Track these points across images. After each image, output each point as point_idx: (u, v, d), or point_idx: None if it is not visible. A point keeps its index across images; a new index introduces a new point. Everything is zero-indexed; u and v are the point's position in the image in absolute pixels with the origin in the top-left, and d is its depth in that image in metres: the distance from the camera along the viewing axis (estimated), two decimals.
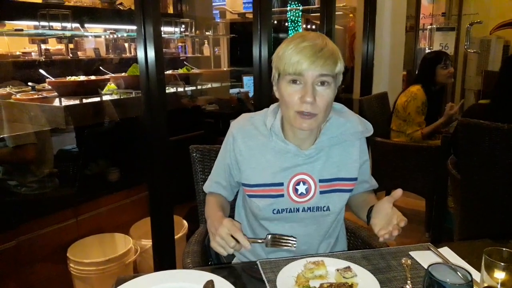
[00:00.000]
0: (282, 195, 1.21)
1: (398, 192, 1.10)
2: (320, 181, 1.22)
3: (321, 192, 1.22)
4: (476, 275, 0.93)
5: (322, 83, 1.11)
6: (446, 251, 1.13)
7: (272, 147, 1.22)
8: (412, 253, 1.12)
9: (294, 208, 1.22)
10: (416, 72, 3.41)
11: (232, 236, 1.04)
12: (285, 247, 1.10)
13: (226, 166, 1.31)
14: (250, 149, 1.24)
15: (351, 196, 1.33)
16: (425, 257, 1.09)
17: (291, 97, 1.11)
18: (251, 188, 1.24)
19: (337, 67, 1.12)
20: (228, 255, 1.07)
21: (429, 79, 3.10)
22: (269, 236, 1.12)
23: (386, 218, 1.10)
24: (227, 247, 1.04)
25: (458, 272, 0.82)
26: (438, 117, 3.16)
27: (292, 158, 1.21)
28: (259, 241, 1.12)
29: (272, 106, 1.27)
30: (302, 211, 1.23)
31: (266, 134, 1.23)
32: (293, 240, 1.10)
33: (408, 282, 0.99)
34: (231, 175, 1.31)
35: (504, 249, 0.89)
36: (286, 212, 1.22)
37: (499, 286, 0.86)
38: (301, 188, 1.21)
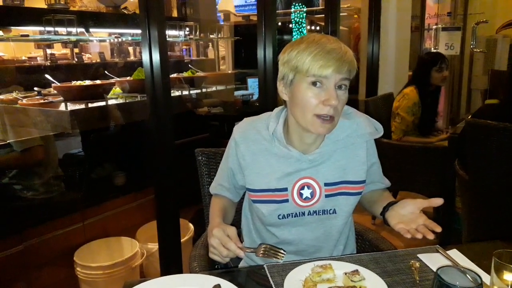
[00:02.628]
0: (286, 200, 1.20)
1: (438, 201, 1.07)
2: (326, 184, 1.20)
3: (327, 196, 1.20)
4: (485, 278, 0.92)
5: (341, 87, 1.10)
6: (454, 253, 1.12)
7: (275, 152, 1.20)
8: (420, 256, 1.11)
9: (299, 212, 1.21)
10: (412, 73, 3.41)
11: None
12: (274, 258, 1.09)
13: (229, 170, 1.30)
14: (253, 154, 1.23)
15: (365, 194, 1.31)
16: (433, 260, 1.08)
17: (311, 100, 1.08)
18: (255, 193, 1.22)
19: (355, 71, 1.11)
20: (236, 258, 1.07)
21: (424, 81, 3.11)
22: (260, 246, 1.12)
23: (410, 217, 1.08)
24: (221, 256, 1.05)
25: (467, 275, 0.81)
26: (435, 118, 3.21)
27: (296, 163, 1.19)
28: (250, 251, 1.12)
29: (276, 110, 1.25)
30: (308, 214, 1.21)
31: (269, 139, 1.21)
32: (282, 253, 1.10)
33: (417, 285, 0.98)
34: (235, 179, 1.30)
35: None
36: (292, 216, 1.21)
37: None
38: (306, 193, 1.19)
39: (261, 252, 1.10)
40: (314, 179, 1.19)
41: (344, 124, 1.21)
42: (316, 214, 1.21)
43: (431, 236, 1.00)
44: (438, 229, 1.01)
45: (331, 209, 1.21)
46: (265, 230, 1.28)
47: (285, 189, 1.19)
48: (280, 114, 1.23)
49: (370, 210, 1.30)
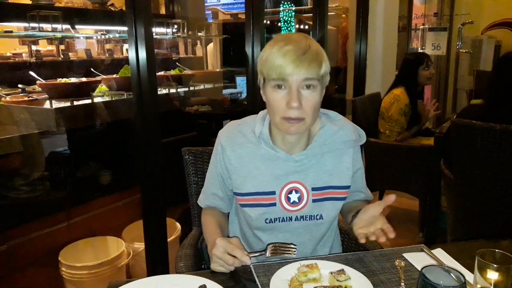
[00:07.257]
0: (274, 204, 1.20)
1: (391, 198, 1.08)
2: (313, 189, 1.20)
3: (314, 201, 1.21)
4: (469, 277, 0.93)
5: (308, 87, 1.08)
6: (439, 252, 1.13)
7: (262, 155, 1.20)
8: (405, 255, 1.12)
9: (286, 217, 1.21)
10: (397, 74, 3.44)
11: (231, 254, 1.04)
12: (286, 255, 1.09)
13: (218, 175, 1.29)
14: (239, 157, 1.22)
15: (344, 204, 1.32)
16: (418, 259, 1.09)
17: (277, 103, 1.10)
18: (243, 197, 1.22)
19: (322, 69, 1.08)
20: (241, 267, 1.06)
21: (411, 81, 3.14)
22: (268, 246, 1.11)
23: (370, 220, 1.09)
24: (226, 265, 1.03)
25: (451, 274, 0.82)
26: (420, 120, 3.22)
27: (283, 165, 1.19)
28: (257, 254, 1.10)
29: (261, 113, 1.25)
30: (295, 220, 1.21)
31: (255, 141, 1.21)
32: (293, 247, 1.09)
33: (402, 284, 0.99)
34: (225, 185, 1.29)
35: (496, 250, 0.89)
36: (279, 221, 1.21)
37: (492, 287, 0.86)
38: (294, 197, 1.20)
39: (271, 251, 1.10)
40: (302, 183, 1.20)
41: (332, 130, 1.22)
42: (303, 220, 1.21)
43: (382, 239, 1.04)
44: (392, 234, 1.04)
45: (318, 215, 1.22)
46: (252, 235, 1.28)
47: (273, 193, 1.19)
48: (265, 116, 1.23)
49: (344, 219, 1.33)
